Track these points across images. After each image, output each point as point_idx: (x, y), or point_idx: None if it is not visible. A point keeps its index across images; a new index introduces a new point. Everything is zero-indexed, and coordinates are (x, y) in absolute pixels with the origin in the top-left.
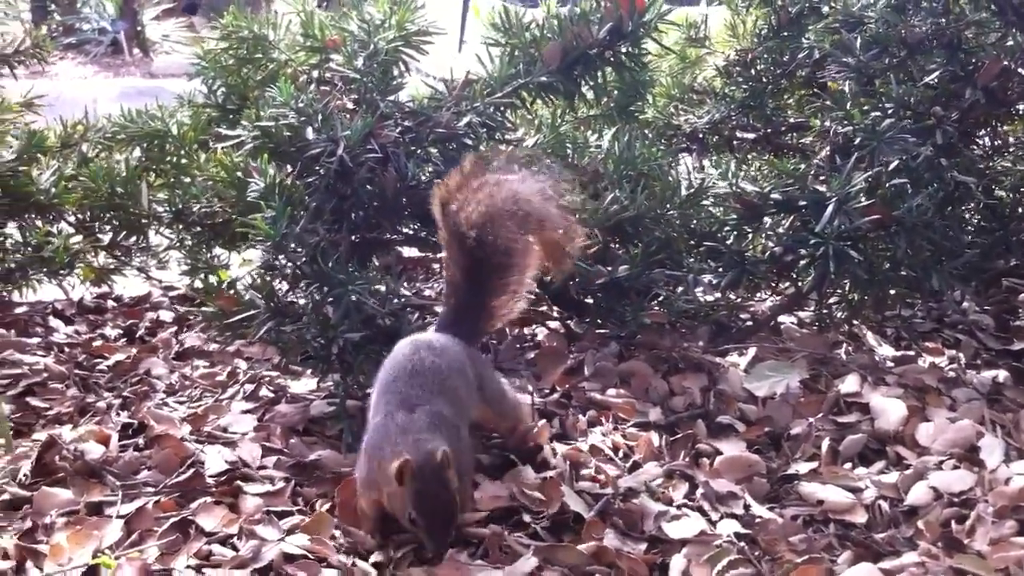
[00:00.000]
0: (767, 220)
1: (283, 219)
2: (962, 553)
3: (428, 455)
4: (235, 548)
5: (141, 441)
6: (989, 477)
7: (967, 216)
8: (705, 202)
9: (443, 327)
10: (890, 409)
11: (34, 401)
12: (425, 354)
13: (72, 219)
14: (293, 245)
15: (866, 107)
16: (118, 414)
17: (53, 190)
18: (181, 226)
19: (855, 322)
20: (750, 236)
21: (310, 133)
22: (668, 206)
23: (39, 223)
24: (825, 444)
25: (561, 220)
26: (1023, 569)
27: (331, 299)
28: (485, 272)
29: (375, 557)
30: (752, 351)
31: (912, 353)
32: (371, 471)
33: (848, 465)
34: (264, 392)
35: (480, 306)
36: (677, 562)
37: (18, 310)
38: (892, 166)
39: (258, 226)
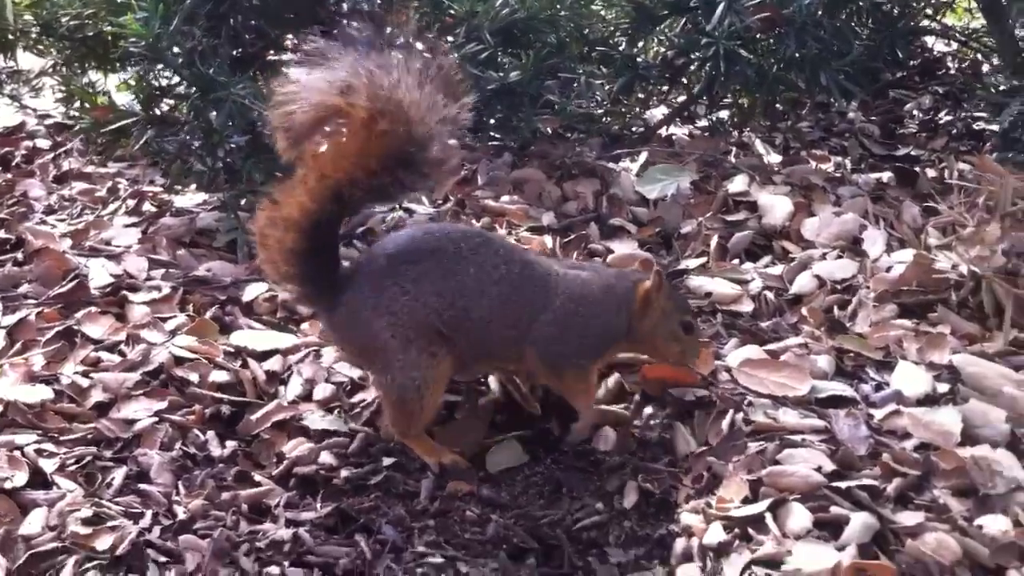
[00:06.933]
0: (660, 26)
1: (156, 18)
2: (844, 334)
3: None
4: (123, 355)
5: (20, 256)
6: (871, 265)
7: (855, 19)
8: (596, 5)
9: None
10: (777, 206)
11: None
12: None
13: None
14: (168, 47)
15: None
16: None
17: None
18: (50, 40)
19: (745, 130)
20: (643, 42)
21: None
22: (559, 7)
23: None
24: (714, 241)
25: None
26: (901, 347)
27: (213, 104)
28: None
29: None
30: (644, 156)
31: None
32: (591, 334)
33: (736, 260)
34: (147, 207)
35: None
36: None
37: None
38: None
39: (128, 26)
